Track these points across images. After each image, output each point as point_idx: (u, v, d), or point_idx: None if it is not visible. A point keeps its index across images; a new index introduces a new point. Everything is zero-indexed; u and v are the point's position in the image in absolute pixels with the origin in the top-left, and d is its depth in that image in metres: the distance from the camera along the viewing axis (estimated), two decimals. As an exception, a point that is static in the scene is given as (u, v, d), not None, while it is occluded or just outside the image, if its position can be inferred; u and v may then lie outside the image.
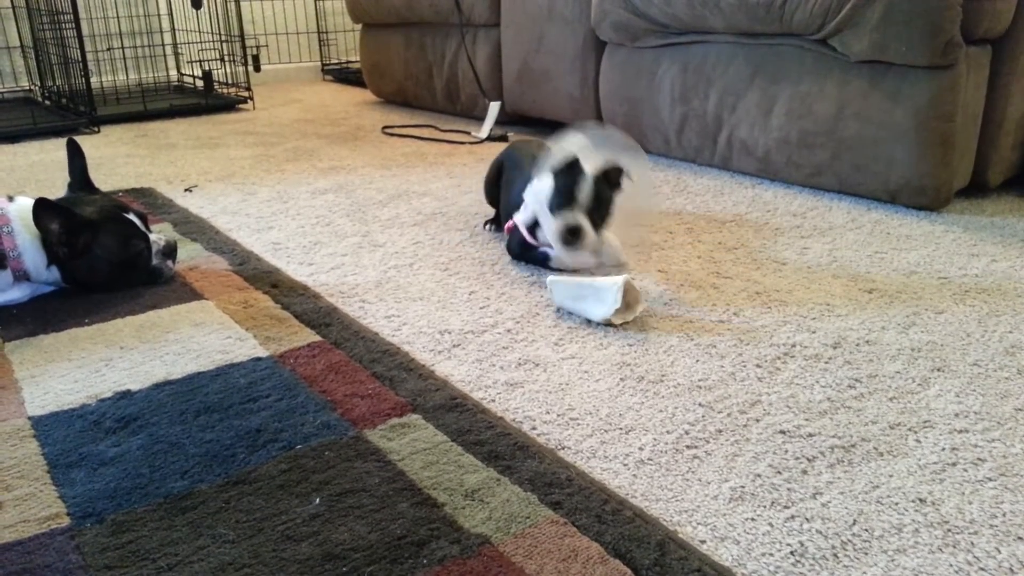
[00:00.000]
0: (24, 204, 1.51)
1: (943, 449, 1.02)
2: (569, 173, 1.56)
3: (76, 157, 1.64)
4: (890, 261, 1.67)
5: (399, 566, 0.82)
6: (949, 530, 0.88)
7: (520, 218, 1.67)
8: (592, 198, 1.55)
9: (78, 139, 1.76)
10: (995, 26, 1.92)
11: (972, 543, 0.86)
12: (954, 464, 0.99)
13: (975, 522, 0.89)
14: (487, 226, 1.93)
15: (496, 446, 1.02)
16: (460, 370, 1.25)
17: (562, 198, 1.55)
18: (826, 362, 1.25)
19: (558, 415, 1.12)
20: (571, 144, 1.63)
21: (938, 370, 1.22)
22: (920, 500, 0.93)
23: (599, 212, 1.57)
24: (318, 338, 1.34)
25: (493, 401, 1.15)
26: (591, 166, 1.58)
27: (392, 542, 0.86)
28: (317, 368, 1.24)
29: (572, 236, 1.55)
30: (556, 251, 1.62)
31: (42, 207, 1.46)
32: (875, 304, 1.46)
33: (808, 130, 2.11)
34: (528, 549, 0.84)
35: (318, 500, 0.92)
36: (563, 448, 1.04)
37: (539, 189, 1.62)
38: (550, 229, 1.58)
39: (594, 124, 1.78)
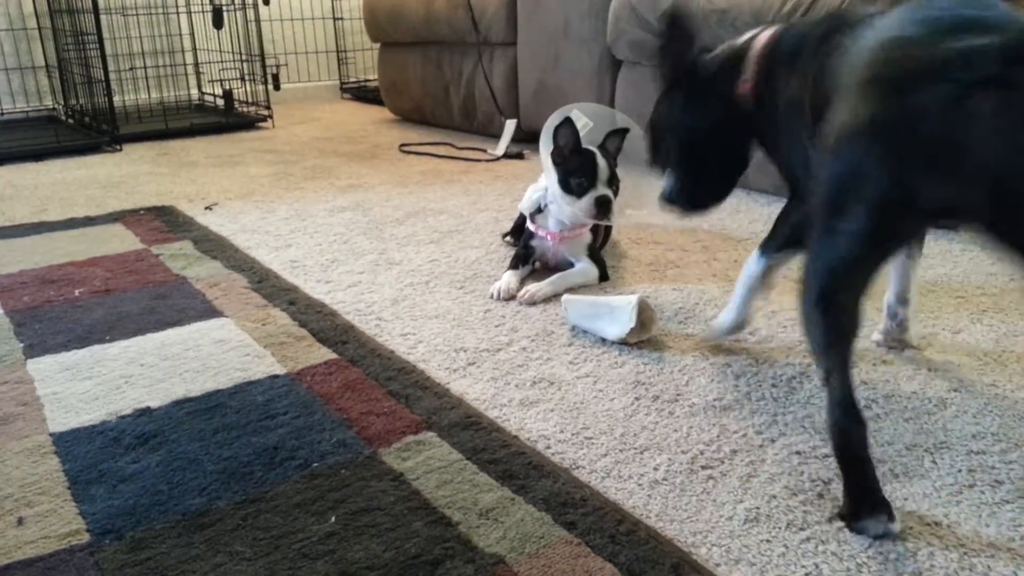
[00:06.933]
0: None
1: (960, 471, 1.02)
2: (581, 153, 1.68)
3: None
4: (907, 280, 1.66)
5: (414, 585, 0.83)
6: (965, 553, 0.87)
7: (524, 205, 1.79)
8: (608, 170, 1.67)
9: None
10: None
11: (989, 567, 0.85)
12: (971, 486, 0.99)
13: (992, 545, 0.88)
14: (505, 238, 1.96)
15: (511, 465, 1.03)
16: (475, 388, 1.25)
17: (585, 177, 1.65)
18: (842, 382, 1.24)
19: (573, 434, 1.12)
20: (574, 123, 1.72)
21: (955, 391, 1.22)
22: (936, 523, 0.92)
23: (614, 182, 1.69)
24: (335, 356, 1.35)
25: (508, 420, 1.16)
26: (591, 142, 1.73)
27: (407, 561, 0.86)
28: (333, 386, 1.25)
29: (603, 208, 1.65)
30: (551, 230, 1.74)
31: None
32: (892, 323, 1.45)
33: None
34: (542, 569, 0.85)
35: (334, 518, 0.93)
36: (578, 467, 1.04)
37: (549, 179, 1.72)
38: (576, 208, 1.66)
39: (581, 105, 1.90)
